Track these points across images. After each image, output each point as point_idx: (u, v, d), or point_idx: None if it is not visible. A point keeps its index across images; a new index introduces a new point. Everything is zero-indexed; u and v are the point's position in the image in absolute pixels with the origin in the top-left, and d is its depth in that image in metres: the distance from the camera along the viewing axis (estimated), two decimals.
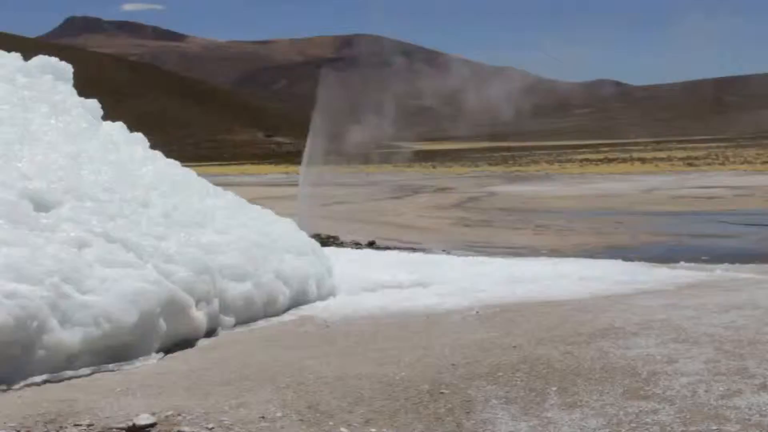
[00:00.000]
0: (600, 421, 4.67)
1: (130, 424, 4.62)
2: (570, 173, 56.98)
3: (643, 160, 72.30)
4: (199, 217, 8.68)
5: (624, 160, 74.37)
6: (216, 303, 7.68)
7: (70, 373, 5.91)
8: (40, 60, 10.43)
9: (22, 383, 5.60)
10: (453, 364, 5.77)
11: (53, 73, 10.36)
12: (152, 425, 4.62)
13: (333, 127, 25.62)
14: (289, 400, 5.06)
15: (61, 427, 4.63)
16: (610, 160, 75.27)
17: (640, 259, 13.63)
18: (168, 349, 6.83)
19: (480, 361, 5.85)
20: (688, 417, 4.62)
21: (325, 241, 17.57)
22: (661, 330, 6.57)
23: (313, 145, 24.97)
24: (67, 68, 10.70)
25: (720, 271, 11.31)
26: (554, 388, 5.20)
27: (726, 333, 6.36)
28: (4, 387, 5.50)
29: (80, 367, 6.01)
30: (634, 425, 4.57)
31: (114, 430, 4.59)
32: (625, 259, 13.62)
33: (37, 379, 5.69)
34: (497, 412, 4.87)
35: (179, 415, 4.78)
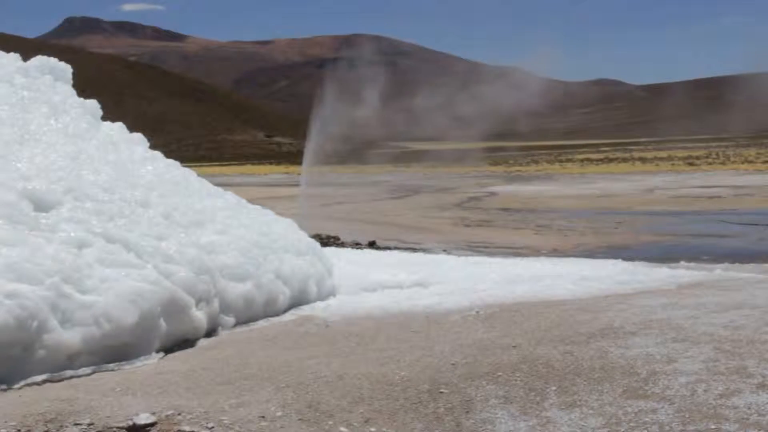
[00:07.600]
0: (599, 420, 4.67)
1: (130, 423, 4.63)
2: (570, 173, 56.97)
3: (643, 160, 72.33)
4: (199, 218, 8.69)
5: (624, 160, 74.40)
6: (216, 303, 7.69)
7: (70, 372, 5.93)
8: (39, 60, 10.44)
9: (22, 383, 5.62)
10: (453, 364, 5.78)
11: (53, 74, 10.38)
12: (152, 424, 4.63)
13: (334, 127, 25.59)
14: (289, 400, 5.07)
15: (61, 426, 4.64)
16: (610, 160, 75.32)
17: (640, 259, 13.60)
18: (168, 349, 6.85)
19: (480, 360, 5.86)
20: (687, 416, 4.63)
21: (326, 241, 17.54)
22: (661, 329, 6.58)
23: (313, 145, 24.93)
24: (67, 69, 10.72)
25: (720, 271, 11.29)
26: (554, 388, 5.21)
27: (725, 332, 6.37)
28: (4, 386, 5.52)
29: (80, 367, 6.03)
30: (633, 425, 4.57)
31: (114, 429, 4.60)
32: (625, 258, 13.59)
33: (38, 378, 5.71)
34: (497, 412, 4.88)
35: (179, 414, 4.79)
